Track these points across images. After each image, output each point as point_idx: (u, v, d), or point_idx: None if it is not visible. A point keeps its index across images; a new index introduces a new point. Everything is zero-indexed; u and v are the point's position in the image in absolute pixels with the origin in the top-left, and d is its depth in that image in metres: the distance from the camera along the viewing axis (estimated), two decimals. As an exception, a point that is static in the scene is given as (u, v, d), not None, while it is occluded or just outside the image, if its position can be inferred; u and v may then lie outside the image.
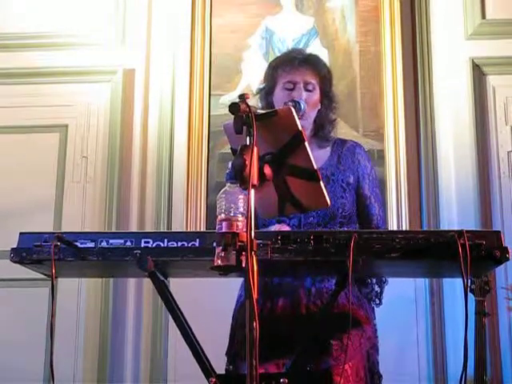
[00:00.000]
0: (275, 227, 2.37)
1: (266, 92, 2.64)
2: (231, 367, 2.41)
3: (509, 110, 4.23)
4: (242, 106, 1.82)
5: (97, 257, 2.05)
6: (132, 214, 4.23)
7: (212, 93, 4.37)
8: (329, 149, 2.63)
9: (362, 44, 4.39)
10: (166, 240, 2.06)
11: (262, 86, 2.69)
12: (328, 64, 2.79)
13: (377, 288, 2.53)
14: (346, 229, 2.47)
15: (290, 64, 2.59)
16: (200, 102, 4.33)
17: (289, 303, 2.40)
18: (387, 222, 3.91)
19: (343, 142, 2.68)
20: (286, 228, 2.40)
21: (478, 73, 4.27)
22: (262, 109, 2.39)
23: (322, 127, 2.62)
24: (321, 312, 2.32)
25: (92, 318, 4.11)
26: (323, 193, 1.97)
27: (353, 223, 2.56)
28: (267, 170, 1.87)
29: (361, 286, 2.51)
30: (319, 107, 2.61)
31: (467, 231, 1.97)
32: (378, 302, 2.54)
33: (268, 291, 2.40)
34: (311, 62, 2.61)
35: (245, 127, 1.83)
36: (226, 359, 2.47)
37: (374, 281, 2.52)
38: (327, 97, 2.63)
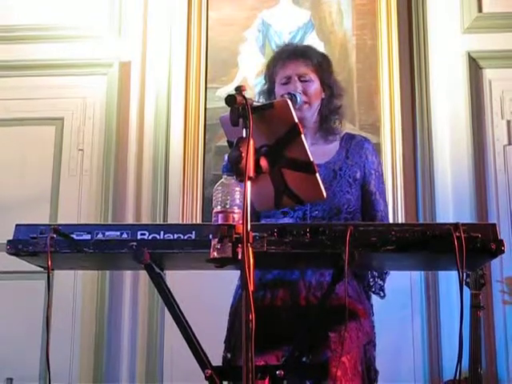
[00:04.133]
0: None
1: (268, 92, 2.63)
2: (229, 355, 2.40)
3: (505, 103, 4.23)
4: (239, 98, 1.81)
5: (93, 249, 2.03)
6: (128, 206, 4.22)
7: (208, 86, 4.36)
8: (337, 143, 2.61)
9: (359, 37, 4.39)
10: (162, 232, 2.04)
11: (262, 89, 2.68)
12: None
13: (380, 281, 2.52)
14: None
15: (282, 59, 2.59)
16: (196, 95, 4.32)
17: (288, 295, 2.39)
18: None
19: (352, 136, 2.66)
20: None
21: (475, 66, 4.27)
22: None
23: (325, 119, 2.60)
24: (319, 304, 2.31)
25: (88, 311, 4.11)
26: (319, 185, 1.96)
27: (357, 219, 2.53)
28: (263, 163, 1.86)
29: (363, 281, 2.51)
30: (323, 96, 2.59)
31: (463, 224, 1.96)
32: (382, 294, 2.52)
33: (267, 282, 2.40)
34: (301, 53, 2.58)
35: (241, 119, 1.82)
36: (222, 350, 2.45)
37: (376, 274, 2.52)
38: (327, 85, 2.60)
